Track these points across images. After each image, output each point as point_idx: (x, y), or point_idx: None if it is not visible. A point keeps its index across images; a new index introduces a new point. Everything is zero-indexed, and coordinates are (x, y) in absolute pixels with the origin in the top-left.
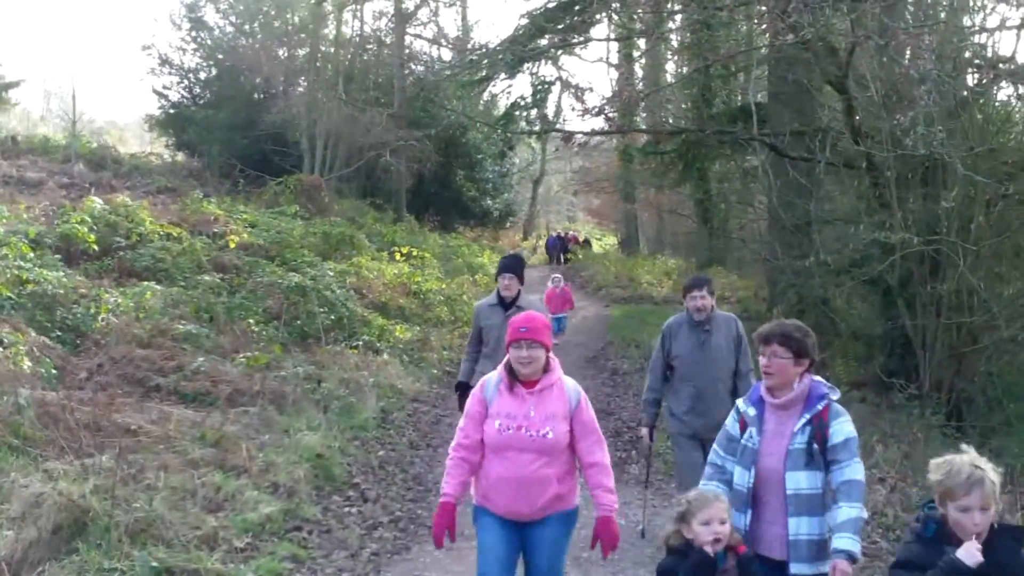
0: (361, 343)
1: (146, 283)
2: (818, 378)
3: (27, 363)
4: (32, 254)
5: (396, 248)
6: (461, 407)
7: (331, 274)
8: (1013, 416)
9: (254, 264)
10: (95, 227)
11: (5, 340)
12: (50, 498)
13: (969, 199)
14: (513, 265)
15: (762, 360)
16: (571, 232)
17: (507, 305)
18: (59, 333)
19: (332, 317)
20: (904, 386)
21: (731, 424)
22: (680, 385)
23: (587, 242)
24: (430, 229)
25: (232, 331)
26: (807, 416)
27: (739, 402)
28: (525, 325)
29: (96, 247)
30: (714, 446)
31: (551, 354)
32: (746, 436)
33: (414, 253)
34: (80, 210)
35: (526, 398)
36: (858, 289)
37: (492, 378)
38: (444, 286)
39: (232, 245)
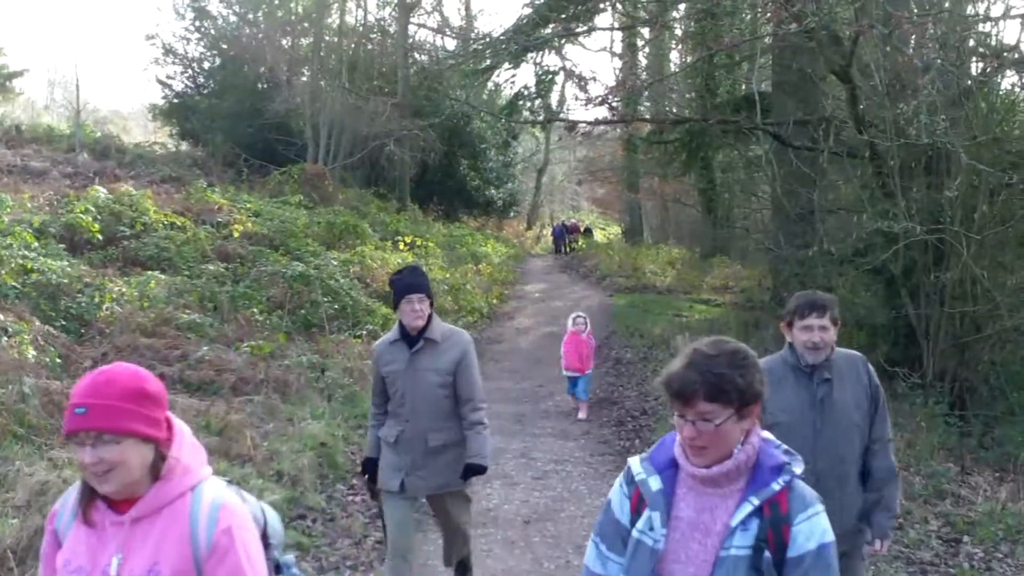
0: (365, 332)
1: (150, 272)
2: (769, 436)
3: (32, 352)
4: (36, 243)
5: (400, 237)
6: (373, 494)
7: (335, 263)
8: (1016, 405)
9: (258, 253)
10: (99, 216)
11: (10, 329)
12: (55, 486)
13: (973, 188)
14: (420, 281)
15: (676, 419)
16: (572, 221)
17: (413, 339)
18: (63, 322)
19: (336, 306)
20: (907, 375)
21: (617, 501)
22: None
23: (588, 231)
24: (434, 218)
25: (236, 320)
26: (754, 502)
27: (632, 463)
28: (84, 402)
29: (100, 236)
30: (593, 537)
31: (174, 453)
32: (641, 524)
33: (418, 242)
34: (84, 199)
35: (108, 536)
36: (861, 278)
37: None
38: (448, 275)
39: (236, 234)
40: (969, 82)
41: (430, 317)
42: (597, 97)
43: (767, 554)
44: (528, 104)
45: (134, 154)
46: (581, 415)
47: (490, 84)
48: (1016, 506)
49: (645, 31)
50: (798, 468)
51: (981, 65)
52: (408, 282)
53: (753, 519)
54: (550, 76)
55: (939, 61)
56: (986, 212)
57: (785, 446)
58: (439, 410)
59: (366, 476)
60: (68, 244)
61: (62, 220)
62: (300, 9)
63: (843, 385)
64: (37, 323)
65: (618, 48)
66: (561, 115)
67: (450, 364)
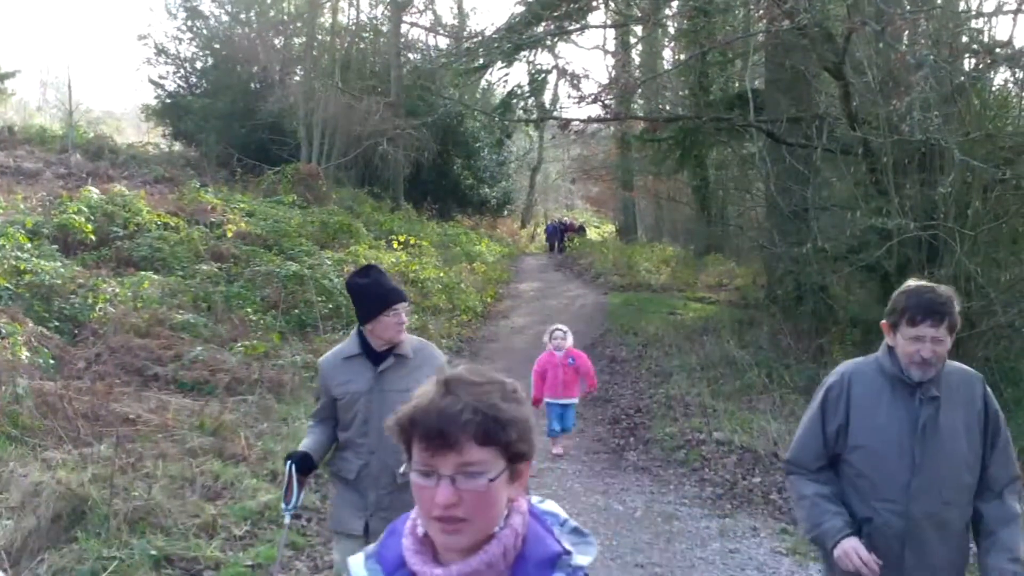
0: None
1: (144, 273)
2: (549, 507)
3: (25, 353)
4: (29, 244)
5: (394, 237)
6: (288, 490)
7: (329, 263)
8: (1011, 401)
9: (252, 253)
10: (92, 217)
11: (3, 330)
12: (49, 487)
13: (966, 184)
14: (398, 285)
15: (416, 479)
16: (569, 219)
17: (379, 355)
18: (57, 323)
19: (330, 306)
20: None
21: None
22: (867, 504)
23: (581, 229)
24: (428, 217)
25: (230, 320)
26: None
27: (354, 566)
28: None
29: (93, 237)
30: None
31: None
32: None
33: (412, 241)
34: (77, 200)
35: None
36: (856, 275)
37: None
38: (442, 274)
39: (230, 234)
40: (962, 78)
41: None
42: (590, 95)
43: None
44: (521, 103)
45: (127, 155)
46: (557, 450)
47: (483, 83)
48: (1013, 499)
49: (638, 29)
50: (584, 558)
51: (974, 61)
52: (388, 288)
53: None
54: (543, 74)
55: (932, 58)
56: (979, 208)
57: (573, 523)
58: None
59: (287, 464)
60: (61, 245)
61: (55, 221)
62: (292, 8)
63: (953, 408)
64: (30, 324)
65: (611, 46)
66: (554, 113)
67: (422, 383)
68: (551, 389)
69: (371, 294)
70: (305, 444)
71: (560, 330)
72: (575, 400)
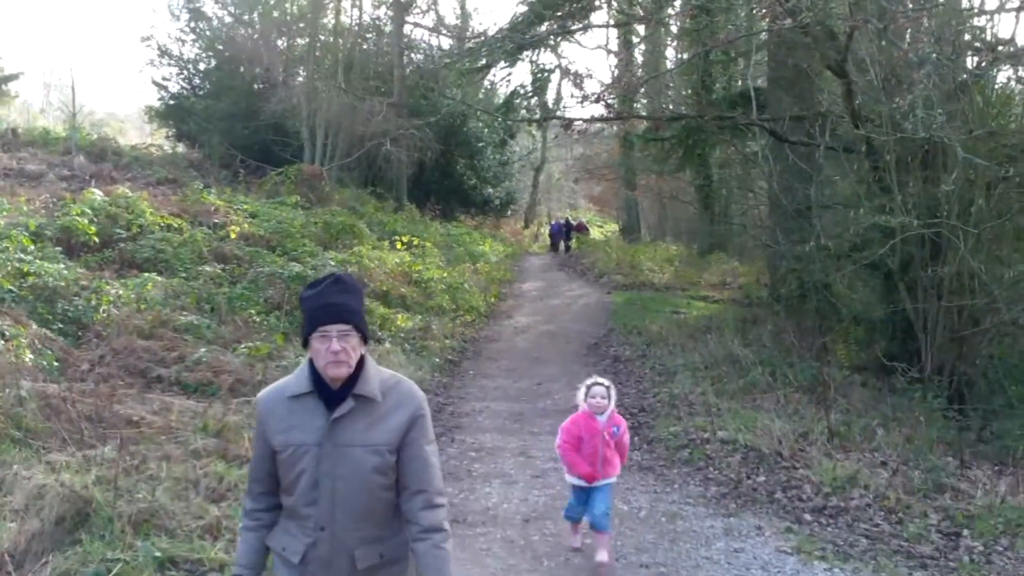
0: None
1: (147, 274)
2: None
3: (29, 355)
4: (33, 246)
5: (397, 237)
6: None
7: (332, 264)
8: (1014, 398)
9: (255, 254)
10: (95, 219)
11: (7, 333)
12: (53, 489)
13: (969, 182)
14: (346, 302)
15: None
16: (578, 220)
17: (334, 395)
18: (60, 325)
19: None
20: (905, 370)
21: None
22: None
23: (584, 228)
24: (431, 218)
25: (233, 321)
26: None
27: None
28: None
29: (97, 239)
30: None
31: None
32: None
33: (415, 242)
34: (80, 202)
35: None
36: (859, 273)
37: None
38: (446, 274)
39: (233, 236)
40: (965, 76)
41: (362, 362)
42: (593, 94)
43: None
44: (524, 102)
45: (130, 156)
46: (601, 558)
47: (486, 83)
48: (1015, 499)
49: (641, 28)
50: None
51: (977, 59)
52: (326, 302)
53: None
54: (546, 74)
55: (934, 55)
56: (983, 206)
57: None
58: (374, 510)
59: None
60: (65, 247)
61: (58, 223)
62: (295, 9)
63: None
64: (34, 326)
65: (614, 45)
66: (557, 113)
67: (394, 435)
68: (588, 467)
69: (307, 309)
70: (241, 558)
71: (601, 386)
72: (614, 480)
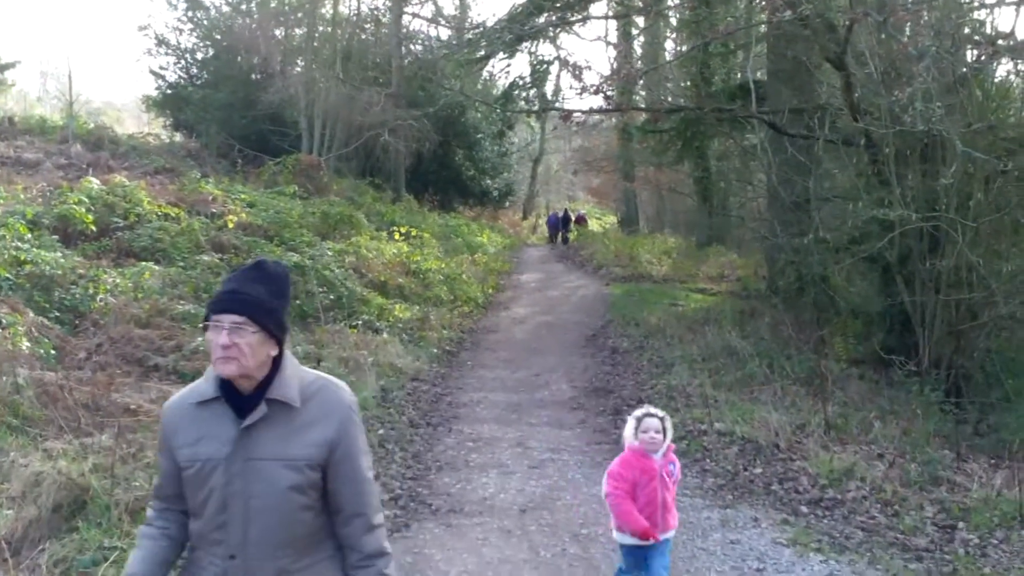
0: (360, 322)
1: (144, 263)
2: None
3: (26, 343)
4: (30, 235)
5: (395, 227)
6: None
7: (330, 254)
8: (1012, 392)
9: (253, 244)
10: (93, 208)
11: (3, 321)
12: (50, 477)
13: (968, 175)
14: (249, 292)
15: None
16: (578, 211)
17: (244, 400)
18: (57, 313)
19: (331, 296)
20: (903, 363)
21: None
22: None
23: (582, 219)
24: (429, 208)
25: None
26: None
27: None
28: None
29: (94, 228)
30: None
31: None
32: None
33: (413, 232)
34: (77, 191)
35: None
36: (857, 266)
37: None
38: (443, 265)
39: (230, 225)
40: (964, 69)
41: (277, 362)
42: (592, 86)
43: None
44: (523, 93)
45: (128, 145)
46: None
47: (485, 74)
48: (1011, 492)
49: (640, 20)
50: None
51: (976, 52)
52: (226, 288)
53: None
54: (545, 65)
55: (934, 49)
56: (981, 199)
57: None
58: (293, 535)
59: None
60: (62, 235)
61: (55, 211)
62: None
63: None
64: (31, 314)
65: (613, 37)
66: (556, 104)
67: (317, 449)
68: (646, 522)
69: (218, 299)
70: (131, 566)
71: (654, 417)
72: (672, 533)
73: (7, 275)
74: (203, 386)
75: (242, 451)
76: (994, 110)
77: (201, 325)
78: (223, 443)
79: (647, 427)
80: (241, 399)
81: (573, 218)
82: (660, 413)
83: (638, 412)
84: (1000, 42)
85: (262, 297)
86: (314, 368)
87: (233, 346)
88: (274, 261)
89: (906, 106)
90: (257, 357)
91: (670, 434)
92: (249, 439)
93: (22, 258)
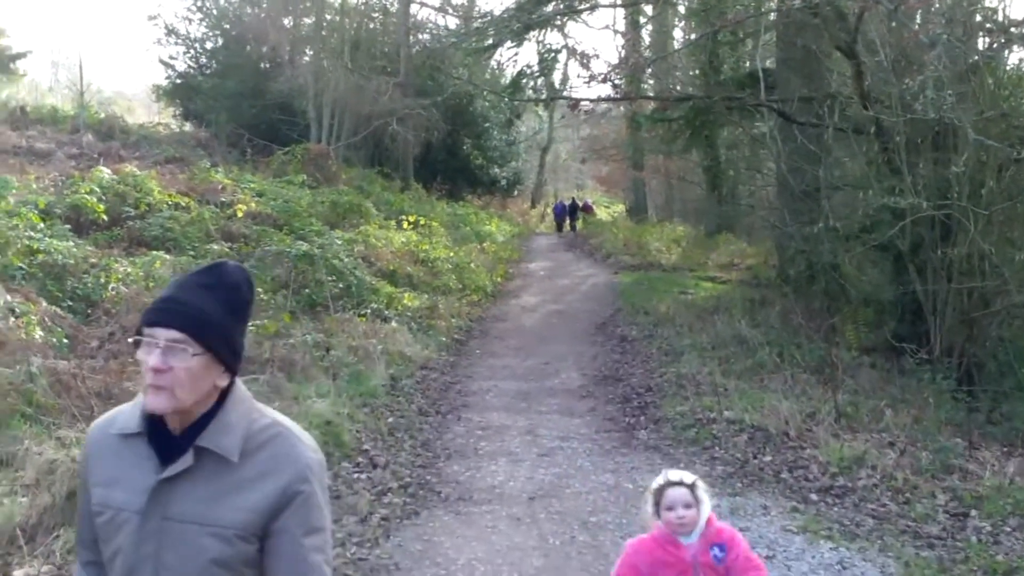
0: (369, 311)
1: (155, 252)
2: None
3: (39, 332)
4: (42, 224)
5: (404, 216)
6: None
7: (339, 242)
8: None
9: (262, 233)
10: (104, 197)
11: (17, 310)
12: (63, 465)
13: (980, 164)
14: (200, 299)
15: None
16: (585, 200)
17: (173, 441)
18: (70, 303)
19: (340, 285)
20: (915, 351)
21: None
22: None
23: (589, 208)
24: (438, 197)
25: None
26: None
27: None
28: None
29: (105, 217)
30: None
31: None
32: None
33: (422, 221)
34: (89, 180)
35: None
36: (868, 255)
37: None
38: (452, 254)
39: (240, 214)
40: (976, 57)
41: (224, 396)
42: (600, 75)
43: None
44: (531, 82)
45: (138, 135)
46: None
47: (493, 63)
48: None
49: (648, 8)
50: None
51: (988, 40)
52: (165, 296)
53: None
54: (553, 54)
55: (945, 36)
56: (993, 187)
57: None
58: None
59: None
60: (73, 225)
61: (67, 201)
62: None
63: None
64: (44, 304)
65: (621, 25)
66: (564, 93)
67: (254, 516)
68: None
69: (154, 311)
70: None
71: (682, 486)
72: None
73: (20, 264)
74: (128, 414)
75: (159, 507)
76: (1006, 98)
77: (131, 340)
78: (138, 492)
79: (672, 501)
80: (169, 439)
81: (581, 205)
82: (689, 478)
83: (657, 480)
84: (1013, 30)
85: (211, 309)
86: (324, 355)
87: (167, 371)
88: (236, 264)
89: (917, 94)
90: (197, 388)
91: (707, 504)
92: (169, 493)
93: (35, 247)
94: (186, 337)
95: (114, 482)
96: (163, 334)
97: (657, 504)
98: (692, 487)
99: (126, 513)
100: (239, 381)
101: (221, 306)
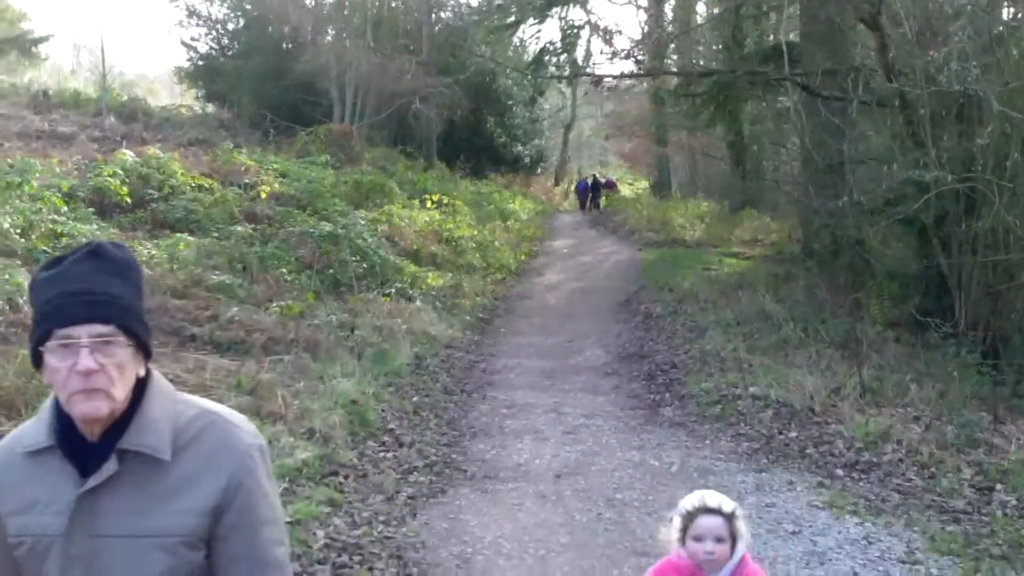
0: (394, 290)
1: (179, 234)
2: None
3: None
4: (66, 208)
5: (427, 195)
6: None
7: (362, 222)
8: None
9: (286, 214)
10: (127, 180)
11: None
12: None
13: (1005, 136)
14: (111, 284)
15: None
16: (607, 177)
17: (90, 449)
18: None
19: (364, 265)
20: (940, 325)
21: None
22: None
23: (612, 185)
24: (461, 176)
25: (265, 281)
26: None
27: None
28: None
29: (129, 200)
30: None
31: None
32: None
33: (445, 200)
34: (112, 163)
35: None
36: (893, 229)
37: None
38: (476, 233)
39: (264, 195)
40: (1001, 28)
41: (144, 386)
42: (623, 51)
43: None
44: (554, 59)
45: (161, 117)
46: None
47: (515, 40)
48: None
49: None
50: None
51: (1013, 10)
52: (72, 289)
53: None
54: (575, 30)
55: (969, 7)
56: (1018, 160)
57: None
58: None
59: None
60: (97, 208)
61: (91, 184)
62: None
63: None
64: None
65: (644, 1)
66: (587, 70)
67: (196, 518)
68: None
69: (39, 301)
70: None
71: (717, 514)
72: None
73: (45, 248)
74: (32, 429)
75: (85, 525)
76: None
77: (29, 350)
78: (58, 513)
79: (702, 531)
80: (86, 447)
81: (604, 182)
82: (728, 505)
83: (691, 501)
84: None
85: (124, 293)
86: (348, 335)
87: (100, 371)
88: (114, 243)
89: (941, 66)
90: (128, 383)
91: (744, 538)
92: (94, 508)
93: (59, 231)
94: (114, 329)
95: (30, 507)
96: (86, 331)
97: (684, 529)
98: (730, 517)
99: (48, 538)
100: (156, 370)
101: (131, 288)
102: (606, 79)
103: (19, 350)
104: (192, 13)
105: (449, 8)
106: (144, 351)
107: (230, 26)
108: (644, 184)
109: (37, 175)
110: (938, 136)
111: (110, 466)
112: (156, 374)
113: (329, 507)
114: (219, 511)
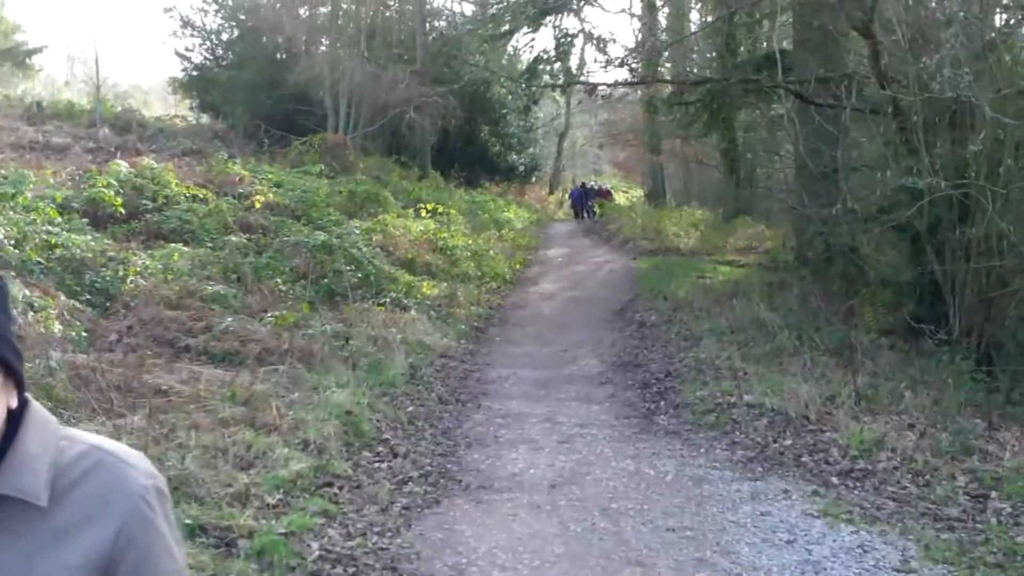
0: (388, 300)
1: (173, 245)
2: None
3: (58, 326)
4: (60, 218)
5: (422, 205)
6: None
7: (357, 232)
8: None
9: (280, 224)
10: (121, 190)
11: (36, 304)
12: None
13: (998, 142)
14: None
15: None
16: (602, 185)
17: None
18: (88, 296)
19: (359, 275)
20: (933, 332)
21: None
22: None
23: (607, 193)
24: (456, 185)
25: (260, 291)
26: None
27: None
28: None
29: (123, 210)
30: None
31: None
32: None
33: (440, 209)
34: (106, 174)
35: None
36: (886, 236)
37: None
38: (471, 242)
39: (258, 205)
40: (993, 35)
41: (16, 422)
42: (617, 59)
43: None
44: (548, 68)
45: (155, 128)
46: None
47: (509, 49)
48: None
49: None
50: None
51: (1005, 17)
52: None
53: None
54: (569, 39)
55: (962, 14)
56: (1012, 166)
57: None
58: None
59: None
60: (91, 219)
61: (85, 195)
62: None
63: None
64: (62, 298)
65: (637, 9)
66: (581, 78)
67: (82, 571)
68: None
69: None
70: None
71: None
72: None
73: (38, 259)
74: None
75: None
76: None
77: None
78: None
79: None
80: None
81: (596, 188)
82: None
83: None
84: None
85: None
86: (343, 345)
87: None
88: None
89: (934, 73)
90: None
91: None
92: None
93: (53, 242)
94: None
95: None
96: None
97: None
98: None
99: None
100: (33, 400)
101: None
102: (600, 87)
103: None
104: (186, 24)
105: (443, 17)
106: (15, 379)
107: (224, 37)
108: (639, 192)
109: (31, 186)
110: (931, 143)
111: None
112: (35, 405)
113: (323, 519)
114: (109, 566)
